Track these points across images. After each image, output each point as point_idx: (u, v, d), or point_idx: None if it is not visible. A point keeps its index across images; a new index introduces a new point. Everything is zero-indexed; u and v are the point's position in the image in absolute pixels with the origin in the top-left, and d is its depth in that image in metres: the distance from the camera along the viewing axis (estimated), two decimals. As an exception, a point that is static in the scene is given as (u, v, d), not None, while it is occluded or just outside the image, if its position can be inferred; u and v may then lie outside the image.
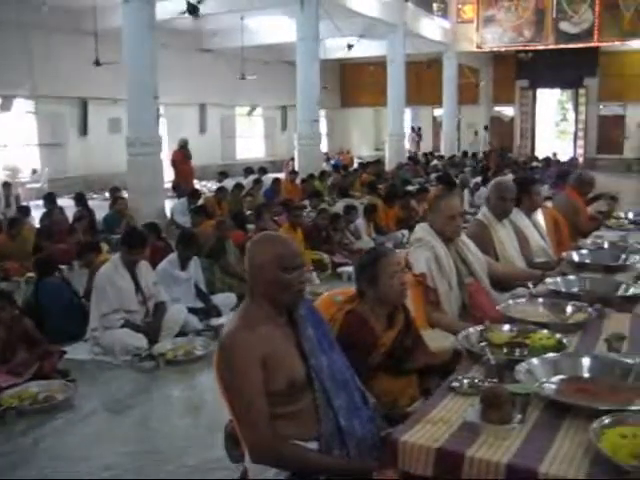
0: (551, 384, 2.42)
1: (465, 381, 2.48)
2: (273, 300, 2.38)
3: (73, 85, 17.05)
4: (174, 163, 16.00)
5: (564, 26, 22.15)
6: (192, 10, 12.28)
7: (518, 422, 2.11)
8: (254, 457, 2.30)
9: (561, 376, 2.47)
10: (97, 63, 15.33)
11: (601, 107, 26.28)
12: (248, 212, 9.82)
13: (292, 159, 18.13)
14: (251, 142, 25.32)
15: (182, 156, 15.86)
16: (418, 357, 2.96)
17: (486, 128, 27.43)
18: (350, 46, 20.13)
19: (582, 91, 26.50)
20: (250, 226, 8.37)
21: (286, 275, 2.34)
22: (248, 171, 14.76)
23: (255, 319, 2.35)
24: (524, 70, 25.95)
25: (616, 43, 22.66)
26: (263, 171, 15.10)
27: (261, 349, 2.28)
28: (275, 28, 19.41)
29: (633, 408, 2.15)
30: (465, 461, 1.99)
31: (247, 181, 13.18)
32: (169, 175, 15.91)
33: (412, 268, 3.70)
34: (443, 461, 2.03)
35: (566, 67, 24.43)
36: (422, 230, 3.84)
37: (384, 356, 2.85)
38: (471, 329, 2.94)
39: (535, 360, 2.53)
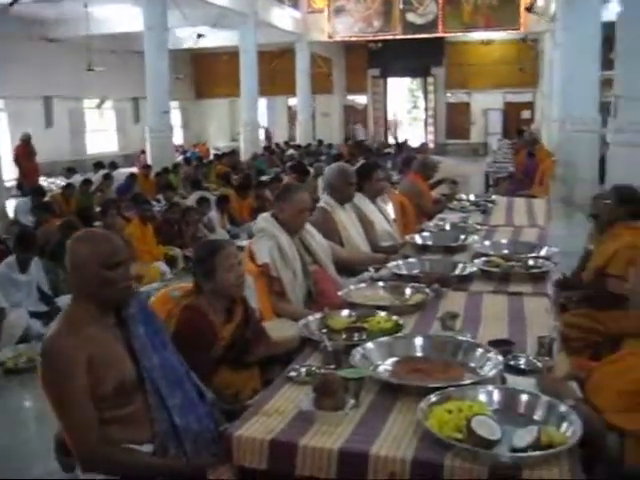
0: (385, 366, 2.46)
1: (303, 370, 2.47)
2: (97, 299, 2.26)
3: None
4: (17, 160, 15.12)
5: (411, 17, 22.84)
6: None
7: (351, 407, 2.12)
8: (83, 465, 2.18)
9: (395, 358, 2.52)
10: None
11: (448, 95, 27.45)
12: (98, 209, 9.41)
13: (143, 152, 17.61)
14: (102, 136, 24.36)
15: (25, 152, 15.01)
16: (259, 349, 2.92)
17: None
18: (200, 36, 19.78)
19: (430, 79, 27.57)
20: (97, 223, 8.03)
21: (109, 272, 2.22)
22: (98, 166, 14.14)
23: (78, 321, 2.22)
24: (375, 59, 26.61)
25: (458, 34, 23.70)
26: (114, 166, 14.55)
27: (85, 352, 2.15)
28: (122, 17, 18.73)
29: (459, 384, 2.21)
30: (299, 450, 1.98)
31: (97, 176, 12.65)
32: (13, 172, 15.05)
33: (255, 259, 3.65)
34: (277, 452, 2.00)
35: (415, 57, 25.29)
36: (264, 220, 3.80)
37: (224, 350, 2.79)
38: (311, 317, 2.94)
39: (370, 344, 2.56)
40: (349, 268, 4.27)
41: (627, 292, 2.19)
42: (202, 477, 2.08)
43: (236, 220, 9.55)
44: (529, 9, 19.39)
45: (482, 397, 2.14)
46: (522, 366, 2.48)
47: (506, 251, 4.31)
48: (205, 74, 28.69)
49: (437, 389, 2.15)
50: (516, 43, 24.59)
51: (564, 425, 1.95)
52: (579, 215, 11.30)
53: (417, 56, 25.32)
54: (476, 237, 4.73)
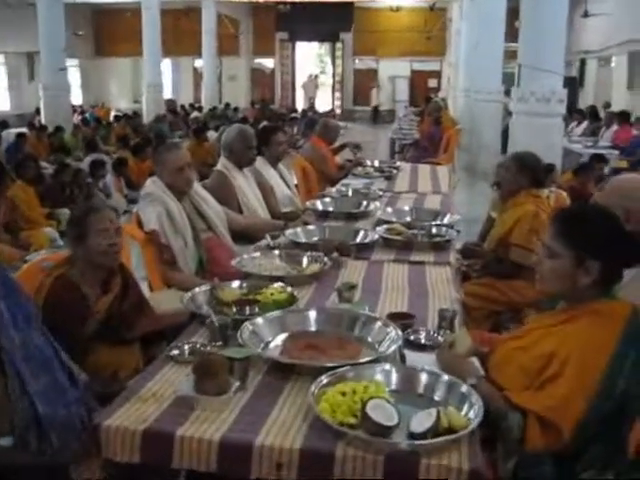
0: (276, 343, 2.27)
1: (186, 348, 2.24)
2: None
3: None
4: None
5: (321, -21, 22.50)
6: None
7: (236, 390, 1.92)
8: None
9: (287, 333, 2.32)
10: None
11: (356, 61, 27.30)
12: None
13: (37, 110, 16.68)
14: (-9, 93, 22.93)
15: None
16: (141, 323, 2.66)
17: None
18: (99, -11, 18.77)
19: (339, 45, 27.25)
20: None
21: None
22: (-13, 126, 13.27)
23: None
24: (284, 22, 26.09)
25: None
26: (4, 125, 13.65)
27: None
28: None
29: (355, 362, 2.04)
30: (175, 442, 1.76)
31: (-15, 136, 11.85)
32: None
33: (143, 225, 3.37)
34: (151, 444, 1.78)
35: (323, 21, 24.96)
36: (153, 184, 3.50)
37: (99, 325, 2.52)
38: (198, 288, 2.70)
39: (260, 319, 2.35)
40: (248, 235, 4.05)
41: (533, 264, 2.07)
42: (64, 473, 1.83)
43: (134, 184, 9.08)
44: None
45: (379, 377, 1.97)
46: (422, 341, 2.34)
47: (409, 218, 4.20)
48: (106, 31, 27.32)
49: (331, 368, 1.98)
50: (424, 11, 24.63)
51: (465, 406, 1.82)
52: (482, 183, 11.46)
53: (326, 21, 25.00)
54: (378, 204, 4.60)
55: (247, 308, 2.52)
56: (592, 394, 1.80)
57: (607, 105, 15.28)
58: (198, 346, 2.24)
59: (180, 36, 24.61)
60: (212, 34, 22.56)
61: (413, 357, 2.19)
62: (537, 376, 1.91)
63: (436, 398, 1.91)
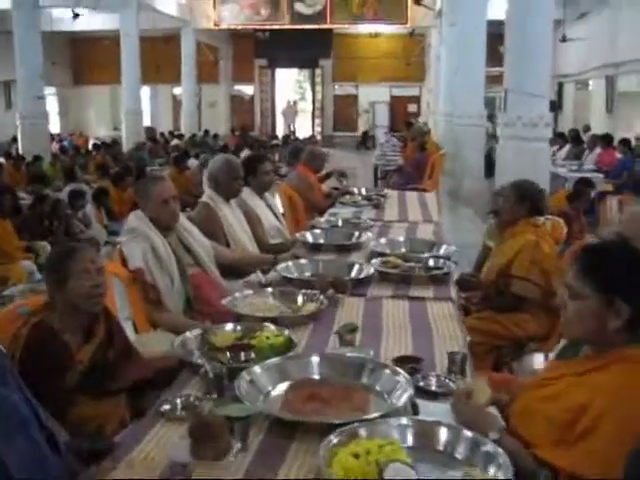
0: (277, 393, 2.08)
1: (178, 401, 2.04)
2: None
3: None
4: None
5: (299, 7, 22.49)
6: None
7: (237, 452, 1.73)
8: None
9: (288, 382, 2.14)
10: None
11: (336, 87, 27.33)
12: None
13: (14, 139, 16.45)
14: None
15: None
16: (127, 372, 2.45)
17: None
18: (76, 15, 18.55)
19: (318, 71, 27.29)
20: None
21: None
22: (-38, 155, 12.99)
23: None
24: (263, 49, 26.01)
25: (346, 26, 23.61)
26: (-21, 155, 13.40)
27: None
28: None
29: (365, 418, 1.86)
30: (170, 516, 1.57)
31: (-40, 166, 11.55)
32: None
33: (127, 263, 3.18)
34: (142, 520, 1.59)
35: (303, 48, 24.91)
36: (137, 219, 3.31)
37: (82, 376, 2.31)
38: (189, 333, 2.51)
39: (257, 368, 2.15)
40: (236, 270, 3.86)
41: (559, 304, 1.90)
42: None
43: (115, 215, 8.84)
44: (418, 1, 19.51)
45: (394, 433, 1.79)
46: (433, 387, 2.17)
47: (403, 249, 4.05)
48: (84, 59, 27.16)
49: (339, 425, 1.79)
50: (403, 37, 24.74)
51: (492, 467, 1.64)
52: (465, 208, 11.37)
53: (305, 47, 24.95)
54: (370, 234, 4.44)
55: (242, 354, 2.33)
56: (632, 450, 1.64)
57: (587, 128, 15.32)
58: (192, 399, 2.05)
59: (159, 64, 24.47)
60: (191, 61, 22.49)
61: (425, 407, 2.01)
62: (568, 430, 1.74)
63: (457, 456, 1.73)
